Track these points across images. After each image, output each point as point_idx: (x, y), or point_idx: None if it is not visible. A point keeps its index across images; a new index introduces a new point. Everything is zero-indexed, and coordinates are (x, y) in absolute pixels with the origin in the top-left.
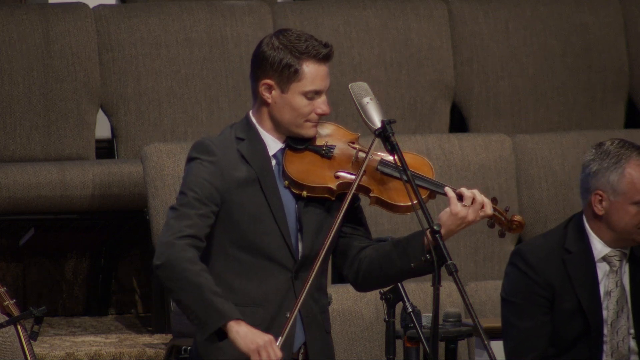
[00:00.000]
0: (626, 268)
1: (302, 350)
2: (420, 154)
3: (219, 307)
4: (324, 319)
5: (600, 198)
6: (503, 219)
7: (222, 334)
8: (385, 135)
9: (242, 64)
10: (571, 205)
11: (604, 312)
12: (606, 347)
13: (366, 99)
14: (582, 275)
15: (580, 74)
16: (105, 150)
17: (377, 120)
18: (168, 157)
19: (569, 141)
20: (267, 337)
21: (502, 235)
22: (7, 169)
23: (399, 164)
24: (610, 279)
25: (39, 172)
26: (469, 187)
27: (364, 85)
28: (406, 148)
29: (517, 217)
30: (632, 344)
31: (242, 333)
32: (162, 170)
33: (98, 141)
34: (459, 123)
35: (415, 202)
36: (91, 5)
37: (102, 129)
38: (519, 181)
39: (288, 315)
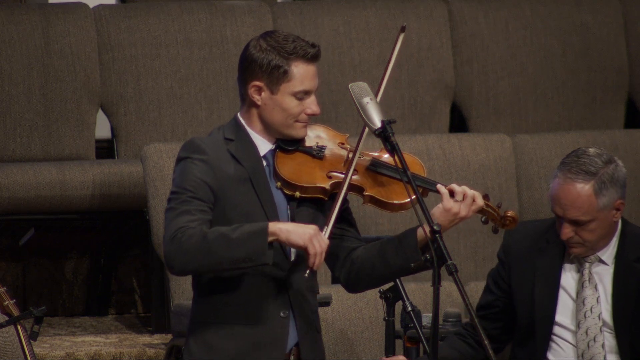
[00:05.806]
0: (600, 269)
1: (293, 352)
2: (416, 153)
3: (251, 229)
4: (314, 319)
5: None
6: (496, 214)
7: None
8: (385, 135)
9: None
10: None
11: (568, 311)
12: (577, 350)
13: (366, 99)
14: (547, 266)
15: (580, 74)
16: (105, 150)
17: (377, 120)
18: (168, 157)
19: (569, 141)
20: (314, 226)
21: (495, 231)
22: (7, 169)
23: (399, 164)
24: (575, 278)
25: (39, 172)
26: (469, 188)
27: (364, 85)
28: (406, 148)
29: (510, 213)
30: (612, 341)
31: (291, 228)
32: (162, 170)
33: (98, 141)
34: (459, 123)
35: (413, 197)
36: (91, 5)
37: (102, 129)
38: (519, 181)
39: (282, 315)
